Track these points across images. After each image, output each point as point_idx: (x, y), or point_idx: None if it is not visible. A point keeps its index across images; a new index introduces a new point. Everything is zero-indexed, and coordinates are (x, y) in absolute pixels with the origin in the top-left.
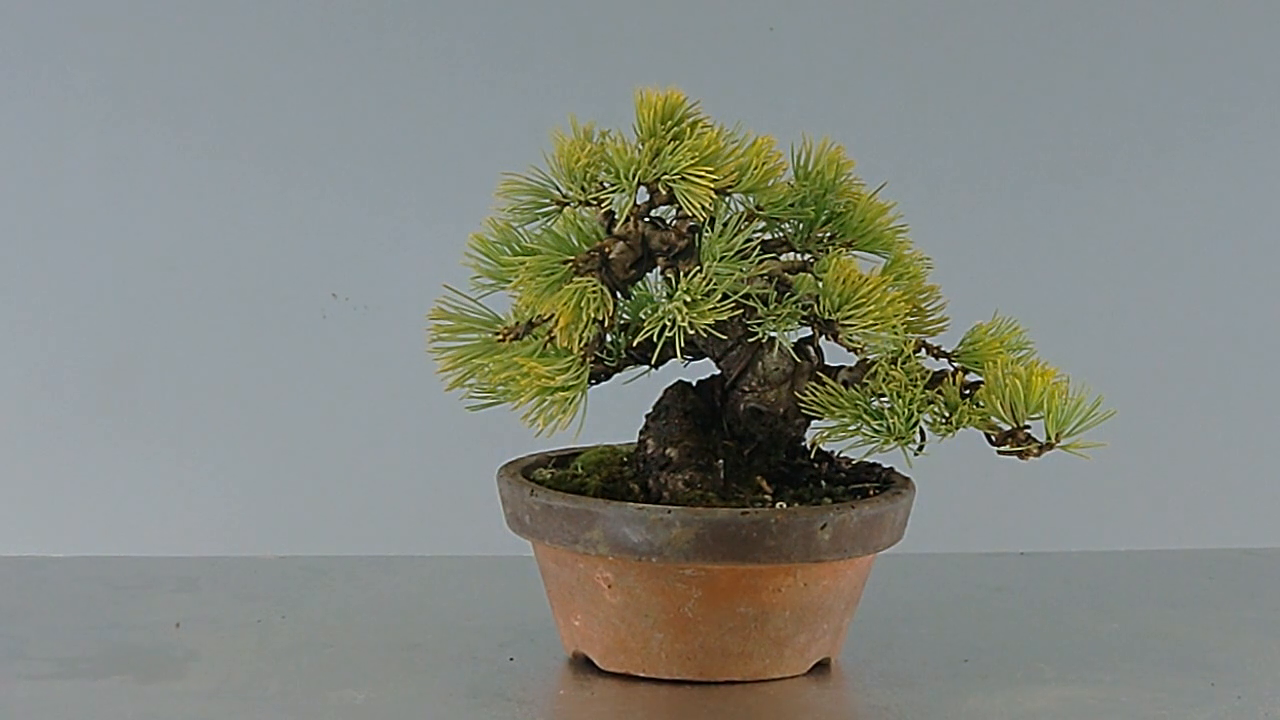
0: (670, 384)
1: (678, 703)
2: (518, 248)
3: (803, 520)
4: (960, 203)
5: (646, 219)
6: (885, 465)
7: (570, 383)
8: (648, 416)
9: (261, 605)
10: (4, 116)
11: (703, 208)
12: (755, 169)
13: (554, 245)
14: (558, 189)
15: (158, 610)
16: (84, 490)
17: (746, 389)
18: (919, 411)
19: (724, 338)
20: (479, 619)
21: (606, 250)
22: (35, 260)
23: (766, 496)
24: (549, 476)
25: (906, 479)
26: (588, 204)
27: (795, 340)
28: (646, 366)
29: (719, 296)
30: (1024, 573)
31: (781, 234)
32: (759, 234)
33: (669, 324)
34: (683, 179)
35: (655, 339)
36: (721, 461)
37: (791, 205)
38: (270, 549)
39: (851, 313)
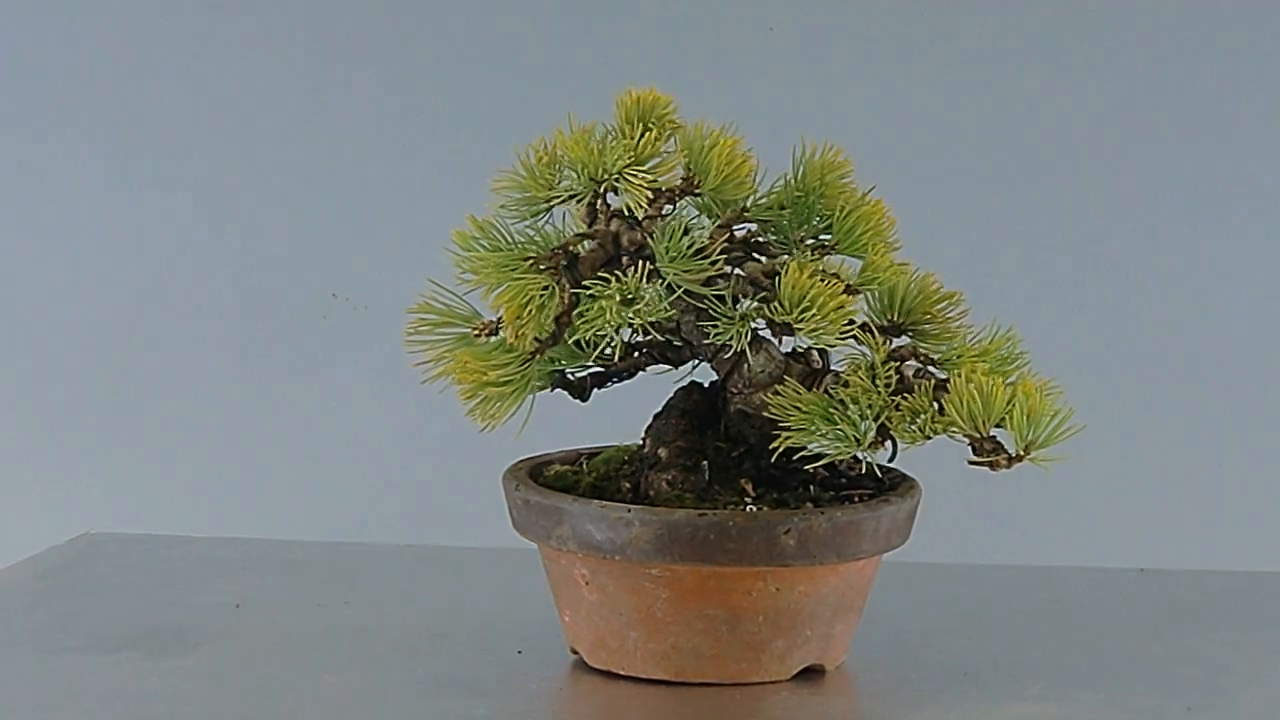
0: (682, 384)
1: (650, 702)
2: (491, 244)
3: (763, 524)
4: (960, 204)
5: (623, 217)
6: (899, 470)
7: (506, 379)
8: (654, 415)
9: (334, 589)
10: (5, 117)
11: (642, 207)
12: (716, 171)
13: (534, 243)
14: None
15: (228, 590)
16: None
17: (734, 391)
18: (875, 419)
19: (663, 338)
20: (509, 611)
21: (572, 248)
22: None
23: (747, 499)
24: (551, 473)
25: (912, 486)
26: (548, 201)
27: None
28: (674, 366)
29: (655, 296)
30: (1075, 586)
31: (775, 236)
32: (723, 234)
33: (606, 322)
34: (621, 178)
35: (594, 338)
36: (706, 462)
37: (771, 208)
38: (375, 536)
39: (803, 315)
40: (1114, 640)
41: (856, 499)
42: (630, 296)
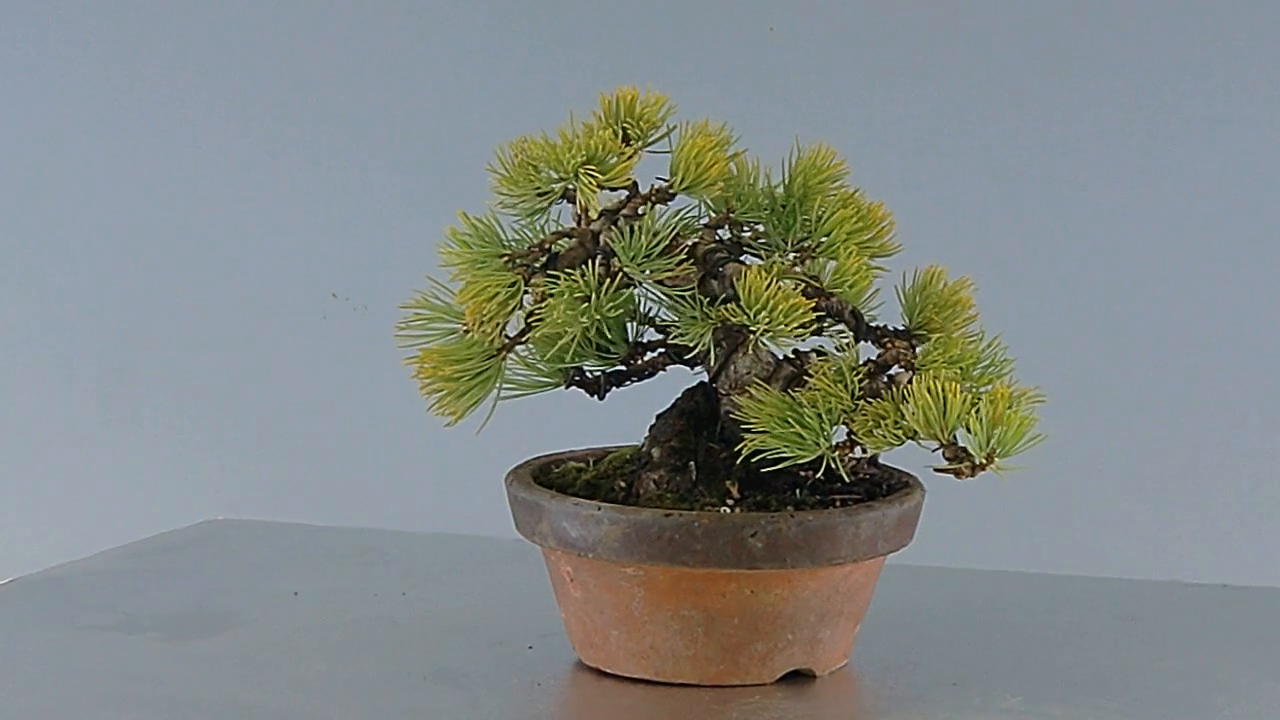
0: (691, 384)
1: (623, 701)
2: (478, 241)
3: (730, 526)
4: (960, 204)
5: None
6: (904, 473)
7: (459, 374)
8: (657, 415)
9: (400, 580)
10: (5, 115)
11: (595, 206)
12: (685, 172)
13: (525, 241)
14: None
15: (297, 578)
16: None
17: (723, 392)
18: (833, 423)
19: (610, 338)
20: (542, 607)
21: (549, 246)
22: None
23: (729, 500)
24: (557, 471)
25: (910, 491)
26: (525, 200)
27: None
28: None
29: (606, 295)
30: (1080, 593)
31: (763, 239)
32: (687, 234)
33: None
34: (577, 176)
35: (553, 337)
36: (693, 463)
37: (756, 210)
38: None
39: (758, 316)
40: (1111, 650)
41: (838, 503)
42: (583, 295)
